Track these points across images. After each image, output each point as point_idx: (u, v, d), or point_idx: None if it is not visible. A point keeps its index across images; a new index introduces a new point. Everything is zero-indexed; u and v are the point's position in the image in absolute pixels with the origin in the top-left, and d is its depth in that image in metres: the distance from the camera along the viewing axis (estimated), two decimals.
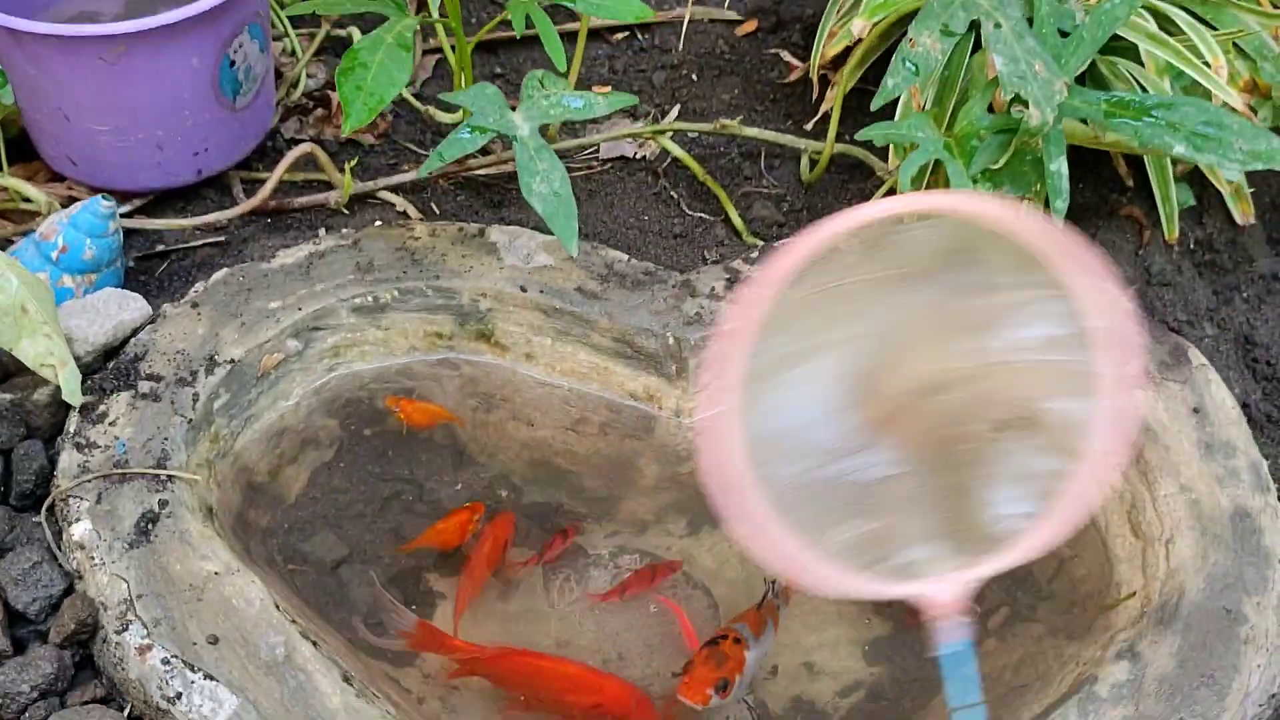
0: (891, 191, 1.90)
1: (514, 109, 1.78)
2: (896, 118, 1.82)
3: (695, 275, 1.82)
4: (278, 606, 1.42)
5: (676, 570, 1.63)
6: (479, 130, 1.75)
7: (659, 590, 1.59)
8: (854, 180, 2.03)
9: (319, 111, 2.12)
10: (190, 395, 1.64)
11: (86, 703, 1.45)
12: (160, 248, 1.89)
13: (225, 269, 1.78)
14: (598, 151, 2.07)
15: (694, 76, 2.24)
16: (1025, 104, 1.74)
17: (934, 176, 1.96)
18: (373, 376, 1.79)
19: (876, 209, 1.35)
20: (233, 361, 1.67)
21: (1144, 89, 1.89)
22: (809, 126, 2.09)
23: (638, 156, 2.06)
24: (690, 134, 2.07)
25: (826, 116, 2.00)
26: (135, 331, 1.69)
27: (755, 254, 1.85)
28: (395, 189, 1.97)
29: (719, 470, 1.24)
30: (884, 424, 1.38)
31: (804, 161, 2.03)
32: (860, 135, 1.84)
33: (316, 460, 1.71)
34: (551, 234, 1.78)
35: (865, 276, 1.38)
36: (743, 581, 1.62)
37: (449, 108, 2.05)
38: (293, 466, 1.71)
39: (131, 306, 1.69)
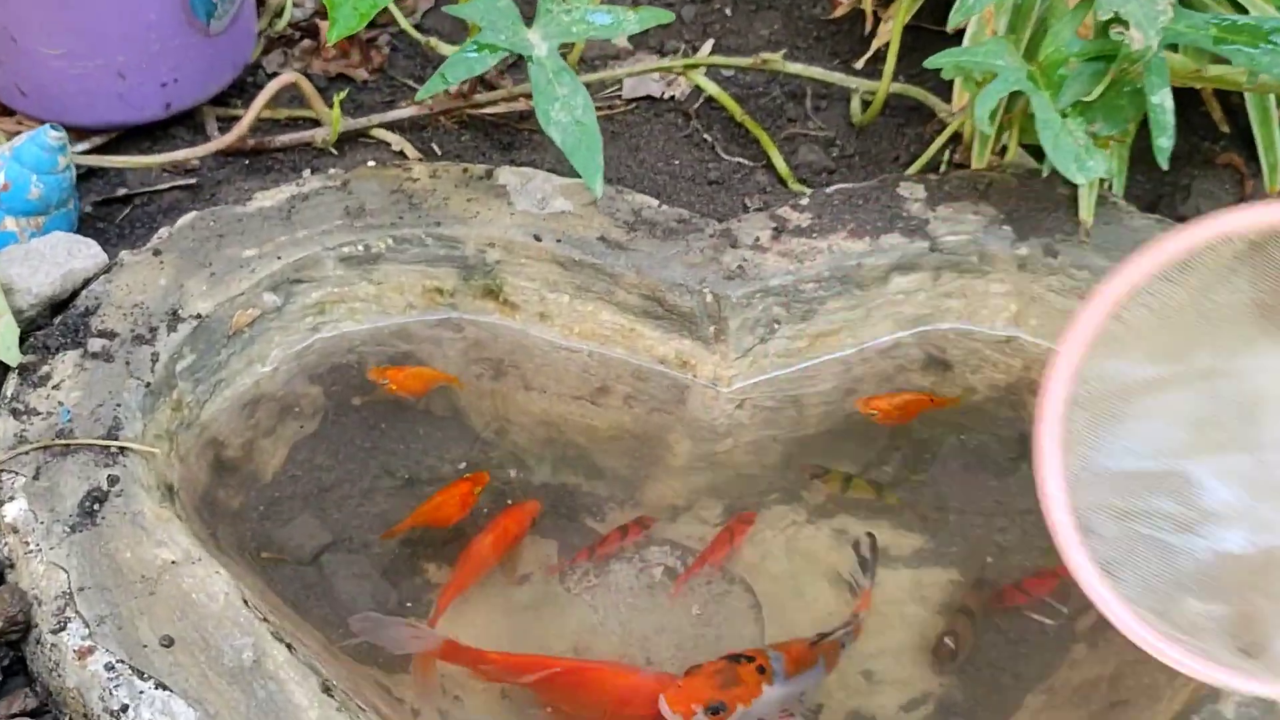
0: (957, 136, 1.77)
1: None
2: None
3: (736, 223, 1.64)
4: (246, 603, 1.26)
5: (751, 523, 1.46)
6: (488, 48, 1.50)
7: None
8: (911, 123, 1.88)
9: (306, 43, 1.95)
10: (149, 355, 1.46)
11: (15, 715, 1.22)
12: (122, 191, 1.73)
13: (194, 212, 1.60)
14: (620, 89, 1.92)
15: (727, 11, 2.07)
16: (1125, 25, 1.48)
17: (1007, 114, 1.70)
18: (363, 338, 1.62)
19: (1245, 219, 1.11)
20: (199, 317, 1.50)
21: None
22: (859, 65, 1.93)
23: (666, 96, 1.91)
24: (725, 71, 1.92)
25: (879, 54, 1.87)
26: (88, 282, 1.51)
27: (804, 201, 1.67)
28: (391, 127, 1.80)
29: (1051, 508, 1.11)
30: (1248, 483, 1.16)
31: (855, 102, 1.88)
32: (930, 62, 1.60)
33: (297, 433, 1.54)
34: (570, 176, 1.63)
35: (1227, 301, 1.16)
36: (788, 577, 1.46)
37: (453, 38, 1.86)
38: (269, 440, 1.54)
39: (83, 253, 1.51)
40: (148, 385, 1.43)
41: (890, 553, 1.46)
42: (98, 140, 1.78)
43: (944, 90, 1.84)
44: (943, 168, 1.74)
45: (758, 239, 1.63)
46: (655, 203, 1.65)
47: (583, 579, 1.48)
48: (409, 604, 1.43)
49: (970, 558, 1.45)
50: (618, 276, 1.60)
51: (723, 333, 1.58)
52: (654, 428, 1.58)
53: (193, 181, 1.75)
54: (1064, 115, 1.55)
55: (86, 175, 1.73)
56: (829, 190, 1.68)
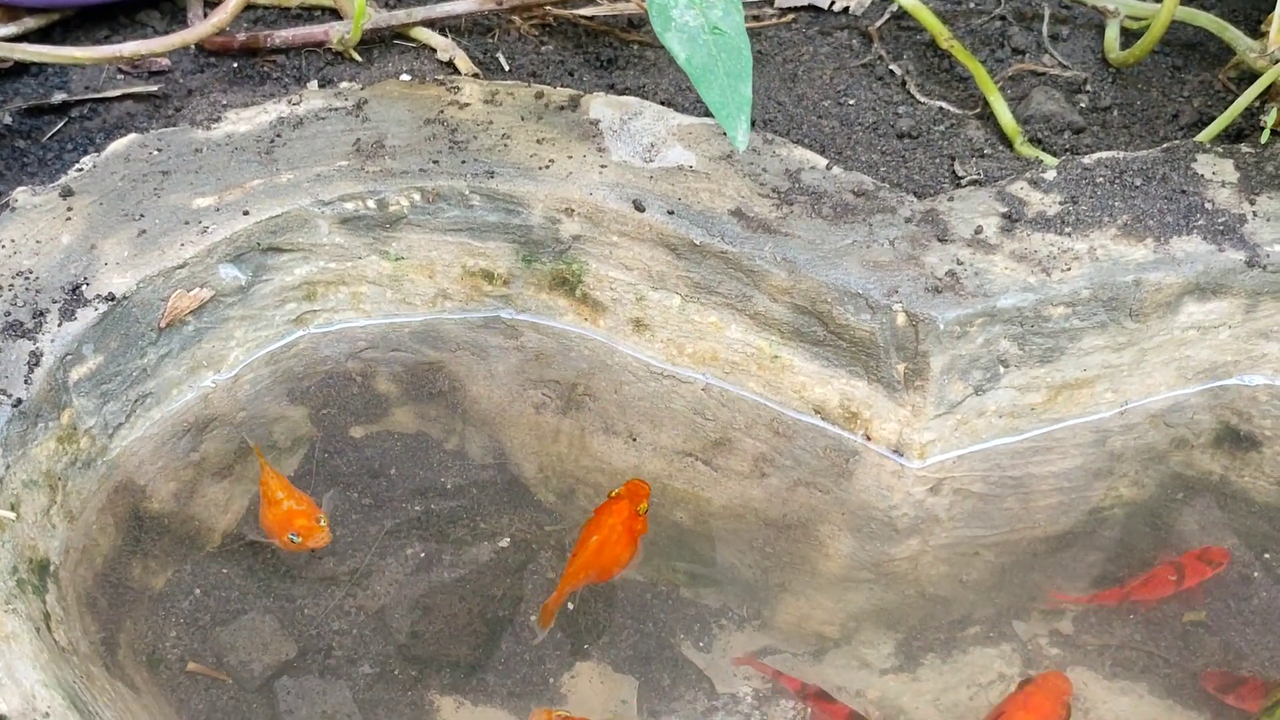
0: (1270, 90, 1.37)
1: None
2: None
3: (945, 203, 1.28)
4: None
5: (1221, 565, 1.19)
6: None
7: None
8: (1191, 65, 1.49)
9: None
10: (25, 355, 1.11)
11: None
12: (60, 97, 1.44)
13: (134, 135, 1.32)
14: None
15: None
16: None
17: None
18: (372, 339, 1.32)
19: None
20: (114, 298, 1.17)
21: None
22: None
23: (837, 7, 1.56)
24: None
25: None
26: None
27: (1050, 175, 1.29)
28: (441, 26, 1.48)
29: None
30: None
31: (1112, 30, 1.51)
32: None
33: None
34: (695, 113, 1.35)
35: None
36: None
37: None
38: (220, 486, 1.22)
39: None
40: (18, 403, 1.09)
41: None
42: (33, 22, 1.49)
43: (1244, 17, 1.49)
44: (1263, 138, 1.32)
45: (979, 230, 1.22)
46: (822, 162, 1.30)
47: None
48: None
49: None
50: (759, 275, 1.23)
51: (919, 375, 1.21)
52: (798, 511, 1.25)
53: (155, 89, 1.43)
54: None
55: (14, 72, 1.46)
56: (1087, 161, 1.29)
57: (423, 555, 1.19)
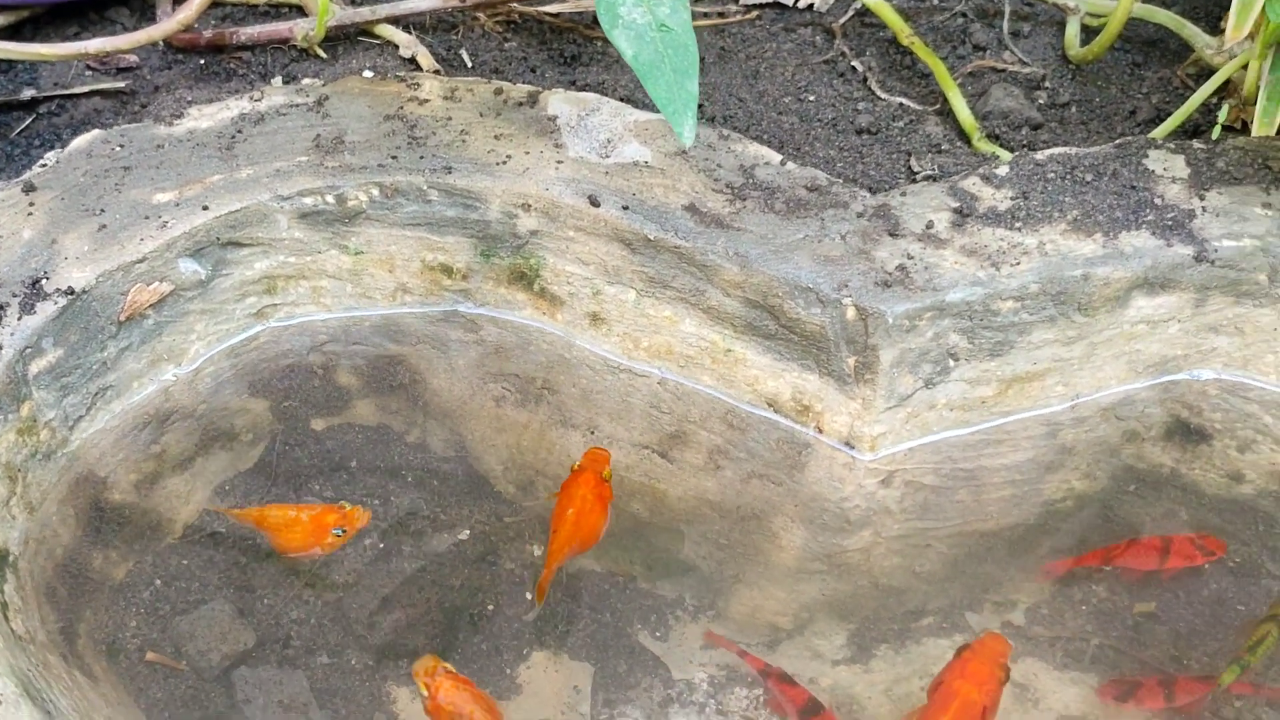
0: (1227, 86, 1.37)
1: None
2: None
3: (898, 198, 1.28)
4: None
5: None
6: None
7: None
8: (1150, 62, 1.49)
9: None
10: None
11: None
12: (29, 94, 1.44)
13: (97, 131, 1.32)
14: None
15: None
16: None
17: None
18: (332, 332, 1.31)
19: None
20: (73, 292, 1.17)
21: None
22: None
23: (800, 4, 1.56)
24: None
25: None
26: None
27: (1002, 170, 1.30)
28: (405, 23, 1.47)
29: None
30: None
31: (1072, 27, 1.51)
32: None
33: (226, 469, 1.24)
34: (653, 107, 1.32)
35: None
36: None
37: None
38: (181, 478, 1.22)
39: None
40: None
41: None
42: (2, 19, 1.48)
43: (1205, 15, 1.48)
44: (1214, 133, 1.33)
45: (930, 225, 1.23)
46: (776, 158, 1.30)
47: None
48: None
49: None
50: (712, 269, 1.23)
51: (869, 368, 1.21)
52: (752, 503, 1.25)
53: (123, 85, 1.44)
54: None
55: None
56: (1039, 157, 1.30)
57: (382, 546, 1.19)
